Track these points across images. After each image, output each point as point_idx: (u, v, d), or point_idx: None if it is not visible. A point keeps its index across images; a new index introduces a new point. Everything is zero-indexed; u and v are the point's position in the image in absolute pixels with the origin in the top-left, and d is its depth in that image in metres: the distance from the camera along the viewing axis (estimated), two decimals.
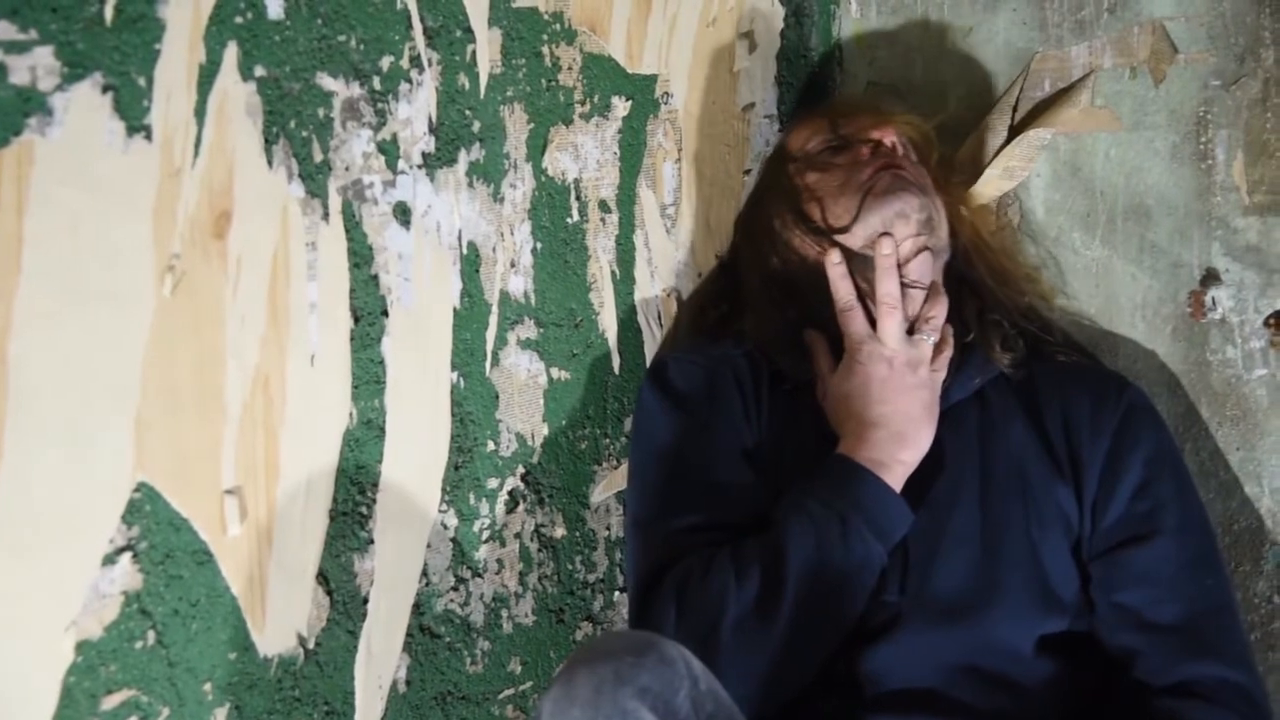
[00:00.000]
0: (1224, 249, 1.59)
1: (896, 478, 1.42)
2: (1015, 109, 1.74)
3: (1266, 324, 1.56)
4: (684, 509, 1.45)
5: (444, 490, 1.46)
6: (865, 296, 1.49)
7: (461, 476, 1.48)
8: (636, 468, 1.54)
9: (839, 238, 1.51)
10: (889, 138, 1.57)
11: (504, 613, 1.55)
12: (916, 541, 1.42)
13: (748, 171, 1.81)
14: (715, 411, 1.52)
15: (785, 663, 1.34)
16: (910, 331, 1.47)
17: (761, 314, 1.60)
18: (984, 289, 1.59)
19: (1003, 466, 1.47)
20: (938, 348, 1.48)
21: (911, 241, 1.48)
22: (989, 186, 1.71)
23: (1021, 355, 1.54)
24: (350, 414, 1.36)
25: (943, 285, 1.53)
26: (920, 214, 1.49)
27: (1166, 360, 1.65)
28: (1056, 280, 1.71)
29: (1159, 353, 1.66)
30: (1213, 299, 1.60)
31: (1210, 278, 1.61)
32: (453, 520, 1.48)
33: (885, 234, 1.48)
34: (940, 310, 1.49)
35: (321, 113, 1.30)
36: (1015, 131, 1.73)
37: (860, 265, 1.50)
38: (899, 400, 1.44)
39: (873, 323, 1.47)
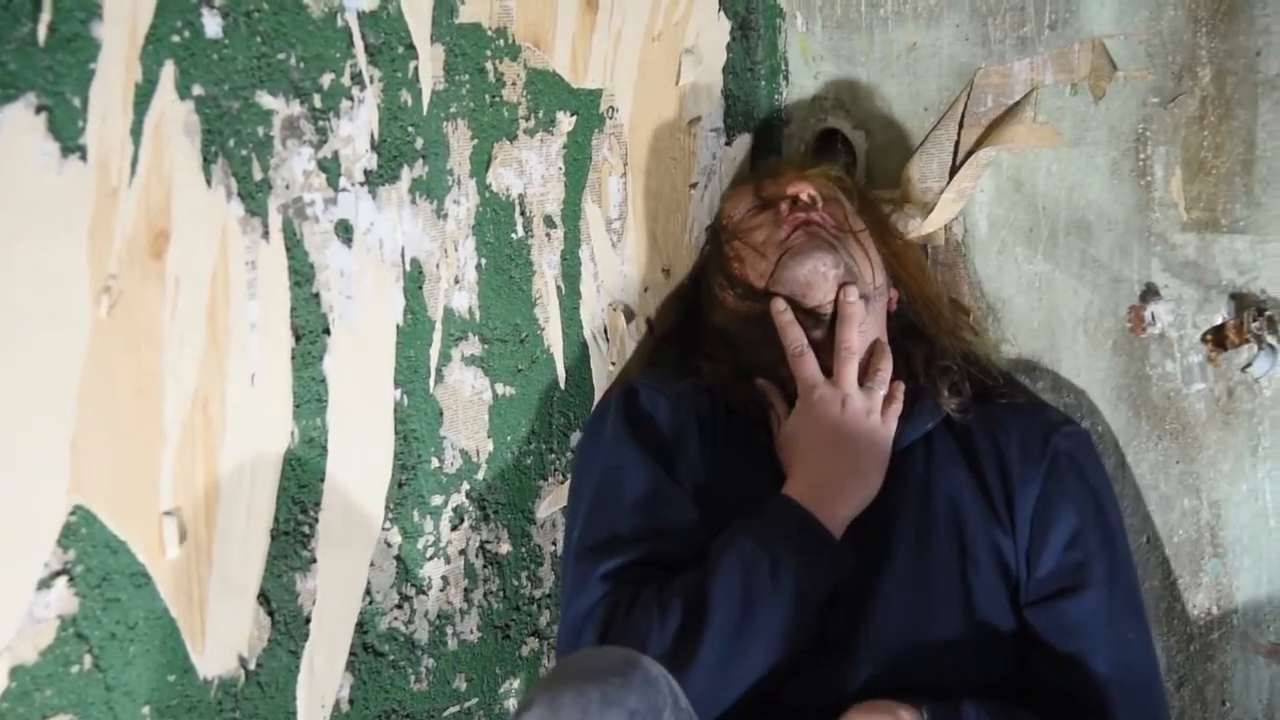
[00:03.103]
0: (1163, 264, 1.61)
1: (838, 522, 1.42)
2: (961, 124, 1.75)
3: (1203, 340, 1.58)
4: (630, 544, 1.44)
5: (388, 508, 1.46)
6: (813, 343, 1.52)
7: (405, 494, 1.48)
8: (586, 490, 1.52)
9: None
10: (804, 191, 1.59)
11: (449, 630, 1.54)
12: (853, 584, 1.43)
13: (694, 185, 1.81)
14: (675, 448, 1.52)
15: (701, 701, 1.33)
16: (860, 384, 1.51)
17: (714, 360, 1.62)
18: (929, 336, 1.62)
19: (942, 511, 1.49)
20: (887, 400, 1.52)
21: (837, 283, 1.52)
22: (944, 211, 1.73)
23: (968, 399, 1.57)
24: (292, 433, 1.35)
25: (888, 338, 1.57)
26: (836, 269, 1.53)
27: (1108, 374, 1.67)
28: (996, 330, 1.74)
29: (1100, 366, 1.67)
30: (1152, 314, 1.62)
31: (1150, 293, 1.62)
32: (396, 538, 1.47)
33: (848, 283, 1.52)
34: (887, 365, 1.54)
35: (261, 131, 1.29)
36: (959, 146, 1.75)
37: (801, 314, 1.53)
38: (848, 445, 1.46)
39: (824, 370, 1.51)
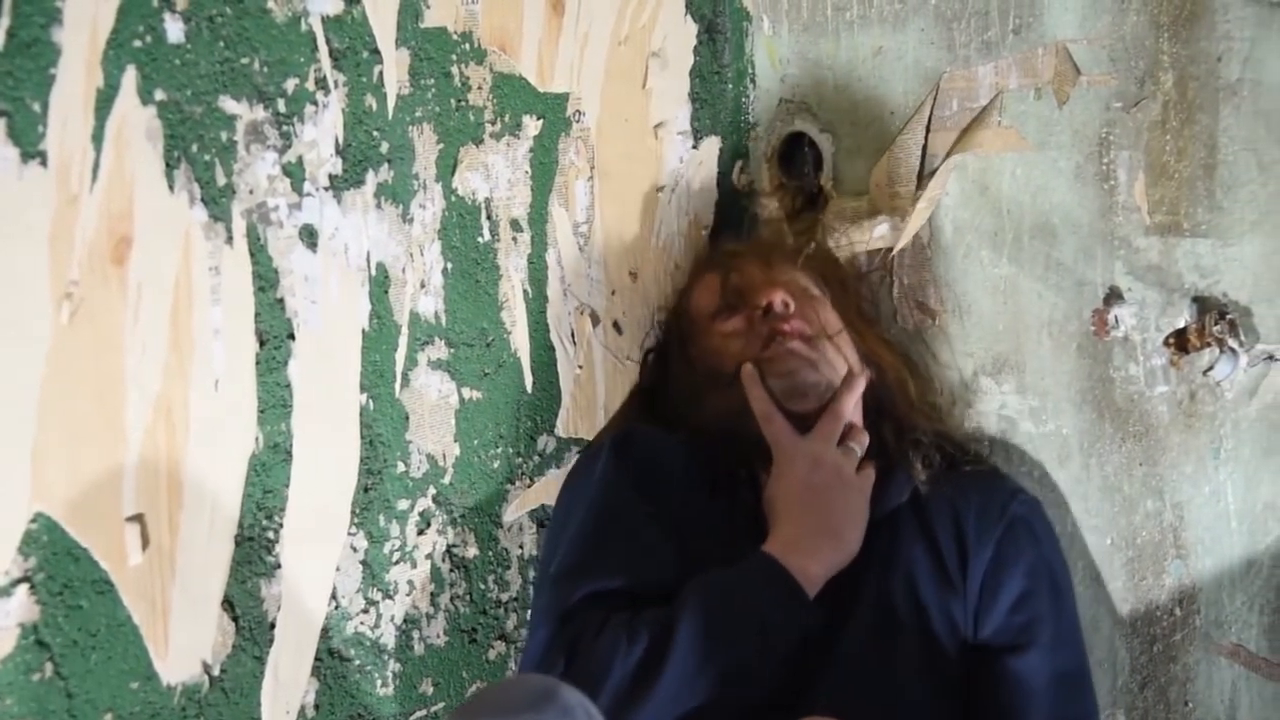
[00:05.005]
0: (1126, 268, 1.62)
1: (811, 579, 1.43)
2: (928, 129, 1.76)
3: (1166, 343, 1.59)
4: (608, 575, 1.46)
5: (353, 513, 1.46)
6: (781, 404, 1.54)
7: (371, 499, 1.47)
8: (571, 521, 1.54)
9: None
10: (777, 299, 1.60)
11: (415, 634, 1.54)
12: (814, 646, 1.43)
13: (661, 188, 1.81)
14: (663, 494, 1.54)
15: None
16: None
17: (689, 427, 1.63)
18: (900, 414, 1.64)
19: (900, 583, 1.50)
20: (861, 466, 1.53)
21: (819, 400, 1.54)
22: (917, 220, 1.74)
23: (938, 471, 1.59)
24: (256, 439, 1.35)
25: (862, 417, 1.59)
26: (815, 388, 1.55)
27: (1072, 377, 1.68)
28: (962, 330, 1.76)
29: (1065, 369, 1.68)
30: (1116, 317, 1.63)
31: (1113, 296, 1.63)
32: (362, 543, 1.47)
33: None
34: (863, 439, 1.55)
35: (224, 136, 1.29)
36: (926, 151, 1.76)
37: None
38: (823, 504, 1.47)
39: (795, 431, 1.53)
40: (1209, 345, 1.55)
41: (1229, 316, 1.54)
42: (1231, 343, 1.53)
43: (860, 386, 1.56)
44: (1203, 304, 1.57)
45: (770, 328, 1.58)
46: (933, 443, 1.62)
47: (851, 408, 1.55)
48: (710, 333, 1.64)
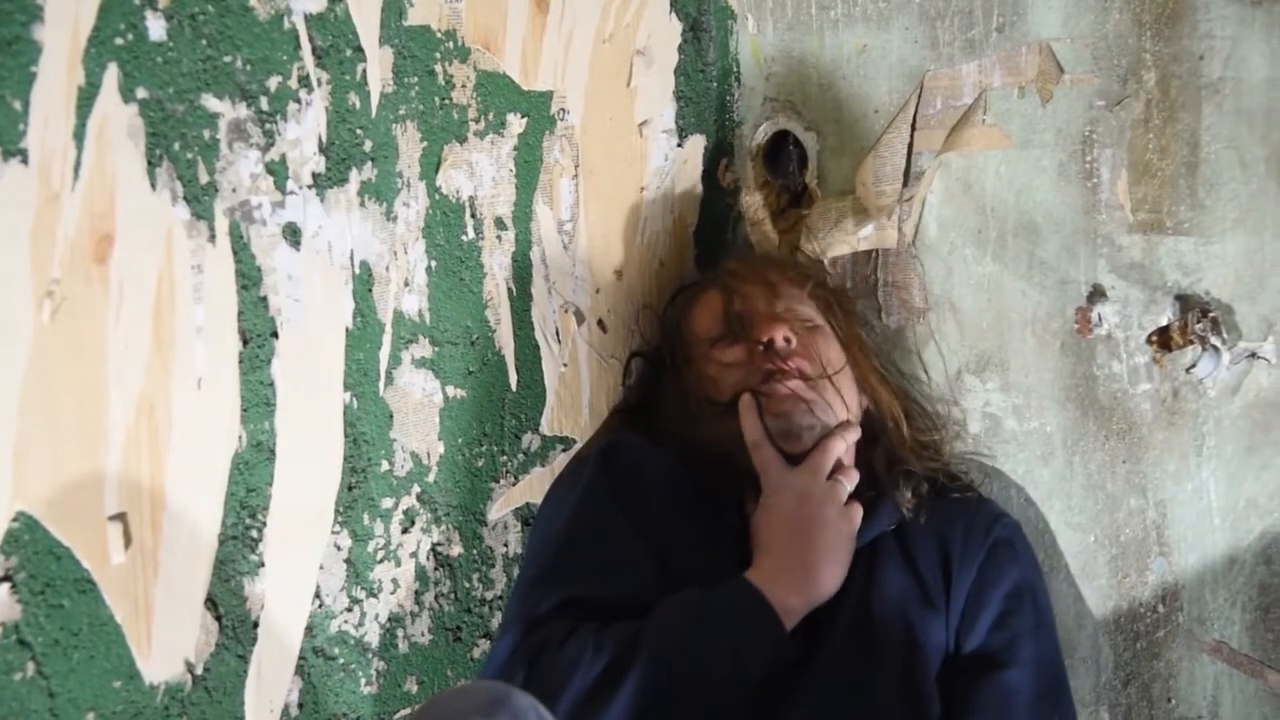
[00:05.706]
0: (1109, 266, 1.62)
1: (789, 610, 1.42)
2: (913, 127, 1.76)
3: (1149, 341, 1.59)
4: (581, 585, 1.46)
5: (337, 511, 1.46)
6: (772, 437, 1.54)
7: (355, 497, 1.47)
8: (552, 529, 1.54)
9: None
10: (780, 335, 1.59)
11: (400, 632, 1.54)
12: (789, 678, 1.43)
13: (645, 187, 1.81)
14: (647, 509, 1.54)
15: None
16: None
17: (679, 443, 1.63)
18: (891, 444, 1.65)
19: (881, 611, 1.50)
20: (848, 503, 1.52)
21: (812, 442, 1.54)
22: (913, 220, 1.74)
23: (925, 501, 1.59)
24: (240, 437, 1.35)
25: (854, 450, 1.59)
26: (810, 431, 1.54)
27: (1056, 374, 1.68)
28: (956, 327, 1.77)
29: (1048, 367, 1.69)
30: (1099, 315, 1.63)
31: (1096, 294, 1.64)
32: (346, 541, 1.47)
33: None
34: (853, 478, 1.54)
35: (207, 134, 1.28)
36: (911, 149, 1.76)
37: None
38: (805, 538, 1.47)
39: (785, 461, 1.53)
40: (1191, 343, 1.56)
41: (1211, 314, 1.55)
42: (1214, 340, 1.54)
43: (854, 436, 1.56)
44: (1185, 302, 1.58)
45: (771, 364, 1.57)
46: (923, 474, 1.62)
47: (843, 450, 1.55)
48: (709, 359, 1.63)
